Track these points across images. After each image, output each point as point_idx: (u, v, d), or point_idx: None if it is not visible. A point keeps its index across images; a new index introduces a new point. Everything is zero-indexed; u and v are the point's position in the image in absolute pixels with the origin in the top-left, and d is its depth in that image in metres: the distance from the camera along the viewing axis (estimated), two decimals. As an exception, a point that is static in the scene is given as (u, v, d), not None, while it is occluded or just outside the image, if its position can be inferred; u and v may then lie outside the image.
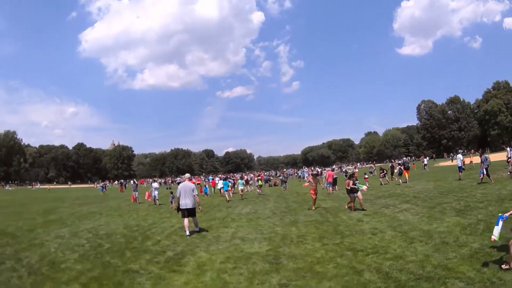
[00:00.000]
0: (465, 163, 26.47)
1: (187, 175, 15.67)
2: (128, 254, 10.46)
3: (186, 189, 13.68)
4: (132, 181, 44.98)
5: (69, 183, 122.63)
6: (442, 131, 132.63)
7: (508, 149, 33.50)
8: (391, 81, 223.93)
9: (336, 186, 30.16)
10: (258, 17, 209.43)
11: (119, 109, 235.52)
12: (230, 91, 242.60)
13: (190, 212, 13.62)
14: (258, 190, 33.37)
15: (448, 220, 12.18)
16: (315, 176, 20.67)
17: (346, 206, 17.76)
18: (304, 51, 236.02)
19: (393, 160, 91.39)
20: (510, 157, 29.58)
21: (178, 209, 14.19)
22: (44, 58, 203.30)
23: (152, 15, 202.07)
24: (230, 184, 29.96)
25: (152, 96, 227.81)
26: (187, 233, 13.19)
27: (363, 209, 16.45)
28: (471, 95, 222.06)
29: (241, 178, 37.13)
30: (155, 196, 27.35)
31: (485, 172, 22.56)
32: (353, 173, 18.86)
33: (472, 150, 54.55)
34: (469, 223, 11.39)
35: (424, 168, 52.71)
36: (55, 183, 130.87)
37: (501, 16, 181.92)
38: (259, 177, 38.60)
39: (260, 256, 9.57)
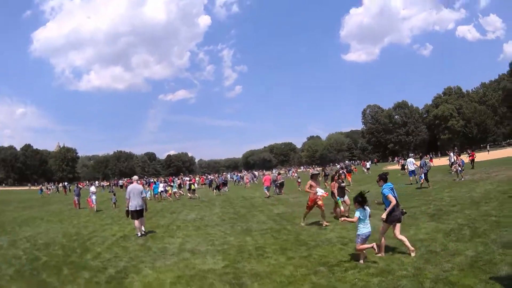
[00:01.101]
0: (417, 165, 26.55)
1: (135, 177, 16.17)
2: (66, 271, 9.50)
3: (135, 191, 14.19)
4: (76, 185, 43.26)
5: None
6: (388, 135, 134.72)
7: (451, 154, 34.02)
8: (335, 86, 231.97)
9: (283, 190, 30.26)
10: (204, 20, 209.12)
11: (65, 111, 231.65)
12: (172, 94, 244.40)
13: (139, 214, 14.04)
14: (189, 194, 32.92)
15: (425, 226, 11.62)
16: (315, 177, 14.90)
17: (335, 213, 15.44)
18: (248, 56, 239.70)
19: (330, 165, 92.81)
20: (453, 162, 29.81)
21: (127, 212, 14.22)
22: None
23: (102, 15, 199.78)
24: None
25: (97, 98, 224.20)
26: (139, 234, 13.73)
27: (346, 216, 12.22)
28: (420, 100, 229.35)
29: (173, 181, 38.73)
30: (92, 201, 25.51)
31: (423, 177, 23.14)
32: (339, 174, 17.09)
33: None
34: (451, 228, 10.89)
35: (367, 172, 53.88)
36: (4, 185, 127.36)
37: (455, 25, 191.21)
38: (191, 181, 38.53)
39: (217, 274, 8.57)
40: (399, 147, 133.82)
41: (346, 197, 15.87)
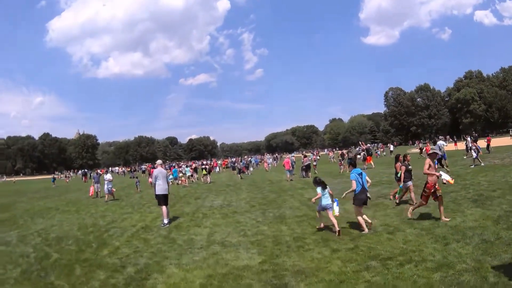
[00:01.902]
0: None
1: (159, 161, 15.07)
2: (78, 270, 8.12)
3: (162, 175, 13.52)
4: (95, 172, 41.74)
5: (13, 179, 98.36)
6: (411, 118, 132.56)
7: (468, 138, 33.09)
8: (356, 69, 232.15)
9: (309, 173, 29.04)
10: (223, 4, 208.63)
11: (84, 98, 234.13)
12: (193, 79, 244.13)
13: (167, 199, 13.46)
14: (202, 179, 32.69)
15: (471, 213, 10.37)
16: (434, 156, 11.06)
17: (391, 197, 14.36)
18: (268, 39, 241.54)
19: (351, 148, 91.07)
20: (470, 148, 28.21)
21: (156, 196, 13.46)
22: (13, 48, 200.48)
23: (118, 3, 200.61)
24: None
25: (116, 84, 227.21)
26: (166, 221, 12.86)
27: (411, 205, 11.98)
28: (440, 84, 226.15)
29: (188, 166, 39.16)
30: (109, 189, 22.87)
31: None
32: (405, 155, 14.87)
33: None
34: (498, 215, 9.70)
35: (390, 155, 52.97)
36: (21, 174, 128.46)
37: (473, 9, 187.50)
38: (204, 166, 38.95)
39: (255, 272, 7.18)
40: (422, 130, 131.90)
41: (411, 183, 13.36)
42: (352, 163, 10.78)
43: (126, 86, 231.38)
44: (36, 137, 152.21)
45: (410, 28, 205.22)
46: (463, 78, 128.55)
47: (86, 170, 79.69)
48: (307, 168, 29.51)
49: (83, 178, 61.49)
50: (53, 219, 16.89)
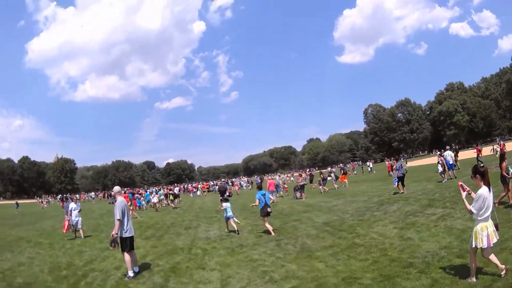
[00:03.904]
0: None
1: (118, 188, 10.65)
2: None
3: (126, 208, 9.84)
4: (66, 198, 35.33)
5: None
6: (392, 134, 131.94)
7: (438, 152, 31.88)
8: (331, 88, 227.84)
9: (304, 194, 27.18)
10: (199, 26, 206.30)
11: (62, 122, 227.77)
12: (169, 102, 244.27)
13: (132, 242, 9.85)
14: (171, 204, 32.80)
15: None
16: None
17: (497, 202, 12.16)
18: (243, 61, 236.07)
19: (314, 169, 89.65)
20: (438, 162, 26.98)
21: (113, 242, 9.47)
22: None
23: (96, 24, 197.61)
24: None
25: (93, 108, 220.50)
26: (131, 274, 9.33)
27: None
28: (419, 98, 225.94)
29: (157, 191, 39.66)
30: (77, 223, 17.67)
31: (397, 181, 21.03)
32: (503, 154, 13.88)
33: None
34: None
35: (371, 172, 55.14)
36: (1, 198, 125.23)
37: (448, 22, 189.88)
38: (170, 191, 37.90)
39: None
40: (404, 145, 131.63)
41: None
42: (258, 186, 16.27)
43: (102, 110, 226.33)
44: (16, 160, 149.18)
45: (385, 45, 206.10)
46: (445, 91, 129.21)
47: (66, 195, 75.63)
48: (301, 188, 27.61)
49: (61, 203, 56.71)
50: (23, 254, 14.29)
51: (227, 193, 36.70)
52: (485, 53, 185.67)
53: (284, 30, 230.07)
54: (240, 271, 8.76)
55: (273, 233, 13.18)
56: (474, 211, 6.13)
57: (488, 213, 6.14)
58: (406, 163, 63.95)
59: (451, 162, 24.08)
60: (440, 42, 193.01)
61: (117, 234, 9.35)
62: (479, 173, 6.28)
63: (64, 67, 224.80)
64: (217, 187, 43.74)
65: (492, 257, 6.18)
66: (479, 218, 6.16)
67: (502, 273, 6.15)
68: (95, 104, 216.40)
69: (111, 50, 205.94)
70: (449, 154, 24.62)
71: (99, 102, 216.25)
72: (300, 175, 30.97)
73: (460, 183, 6.69)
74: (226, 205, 15.09)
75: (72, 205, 18.15)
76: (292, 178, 63.13)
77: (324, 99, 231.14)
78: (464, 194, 6.46)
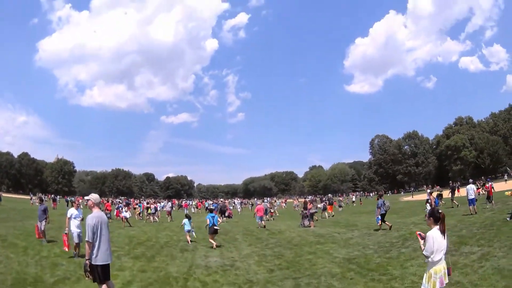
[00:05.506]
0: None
1: (95, 196, 7.64)
2: None
3: (104, 225, 7.27)
4: (39, 197, 27.62)
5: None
6: (397, 166, 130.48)
7: (428, 191, 32.76)
8: (338, 117, 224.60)
9: (312, 222, 25.16)
10: (211, 44, 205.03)
11: (67, 124, 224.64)
12: (175, 117, 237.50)
13: (108, 270, 7.29)
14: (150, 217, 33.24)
15: None
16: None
17: None
18: (252, 83, 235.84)
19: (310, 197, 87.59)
20: (427, 200, 27.63)
21: (87, 270, 7.01)
22: (3, 63, 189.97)
23: (109, 31, 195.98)
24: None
25: (99, 114, 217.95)
26: None
27: None
28: (426, 132, 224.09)
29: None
30: (78, 236, 13.33)
31: (380, 219, 20.29)
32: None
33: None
34: None
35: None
36: None
37: (458, 56, 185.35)
38: (148, 205, 37.23)
39: None
40: (408, 178, 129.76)
41: None
42: (209, 210, 22.37)
43: (108, 117, 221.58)
44: (16, 155, 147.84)
45: (394, 76, 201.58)
46: (453, 125, 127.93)
47: (56, 196, 73.45)
48: (311, 216, 25.45)
49: (53, 203, 54.14)
50: None
51: (227, 214, 35.64)
52: (494, 88, 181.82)
53: (295, 55, 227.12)
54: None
55: (215, 247, 15.84)
56: (425, 253, 6.16)
57: (440, 256, 6.13)
58: (412, 197, 63.05)
59: (472, 197, 22.27)
60: (449, 76, 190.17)
61: (88, 260, 6.99)
62: (434, 217, 6.31)
63: (73, 70, 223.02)
64: (218, 206, 41.70)
65: None
66: (431, 261, 6.15)
67: None
68: (101, 111, 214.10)
69: (122, 59, 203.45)
70: (471, 188, 22.88)
71: (105, 110, 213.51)
72: (311, 202, 28.66)
73: (417, 232, 6.84)
74: (185, 221, 18.05)
75: (72, 211, 13.97)
76: (284, 205, 64.02)
77: (330, 126, 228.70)
78: (422, 242, 6.48)
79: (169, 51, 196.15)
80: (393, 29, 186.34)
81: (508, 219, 16.51)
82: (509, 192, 12.39)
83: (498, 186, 41.85)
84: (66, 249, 13.68)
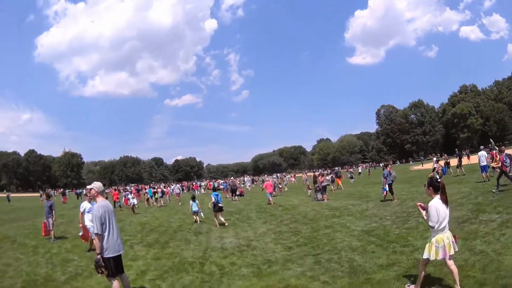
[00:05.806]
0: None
1: (99, 184, 7.20)
2: None
3: (112, 215, 6.83)
4: (46, 193, 26.15)
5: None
6: (404, 135, 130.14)
7: (434, 159, 33.17)
8: (342, 89, 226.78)
9: (326, 195, 24.64)
10: (211, 24, 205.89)
11: (71, 116, 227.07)
12: (179, 99, 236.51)
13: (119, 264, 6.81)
14: (155, 203, 33.72)
15: None
16: None
17: None
18: (254, 60, 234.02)
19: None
20: (433, 168, 27.94)
21: (98, 266, 6.48)
22: (3, 62, 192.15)
23: (106, 20, 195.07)
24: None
25: (102, 103, 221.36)
26: None
27: None
28: (431, 100, 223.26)
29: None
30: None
31: (387, 189, 19.87)
32: None
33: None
34: None
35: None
36: (5, 191, 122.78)
37: (459, 25, 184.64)
38: (155, 189, 37.40)
39: None
40: (416, 147, 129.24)
41: None
42: (213, 189, 22.87)
43: (112, 106, 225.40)
44: (22, 153, 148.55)
45: (396, 46, 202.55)
46: (458, 93, 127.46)
47: (70, 189, 73.36)
48: (323, 190, 24.90)
49: (63, 198, 54.48)
50: (1, 259, 11.99)
51: (238, 192, 35.35)
52: (495, 57, 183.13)
53: (295, 30, 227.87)
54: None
55: (226, 223, 16.54)
56: (431, 224, 6.09)
57: (444, 224, 6.06)
58: (422, 165, 62.50)
59: (484, 163, 21.89)
60: (450, 45, 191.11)
61: (100, 254, 6.50)
62: (433, 186, 6.18)
63: (74, 62, 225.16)
64: (228, 185, 41.17)
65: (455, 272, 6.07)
66: (435, 230, 6.10)
67: None
68: (104, 99, 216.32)
69: (122, 46, 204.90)
70: (483, 155, 22.41)
71: (108, 98, 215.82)
72: (322, 175, 28.12)
73: (418, 203, 6.77)
74: (191, 202, 18.71)
75: (85, 205, 13.08)
76: (293, 179, 62.52)
77: (335, 99, 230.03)
78: (424, 212, 6.42)
79: (168, 34, 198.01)
80: (391, 0, 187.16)
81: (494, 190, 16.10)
82: (495, 163, 12.18)
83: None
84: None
